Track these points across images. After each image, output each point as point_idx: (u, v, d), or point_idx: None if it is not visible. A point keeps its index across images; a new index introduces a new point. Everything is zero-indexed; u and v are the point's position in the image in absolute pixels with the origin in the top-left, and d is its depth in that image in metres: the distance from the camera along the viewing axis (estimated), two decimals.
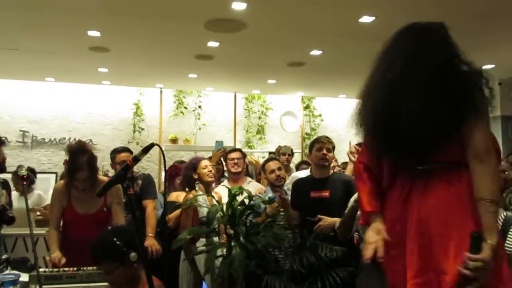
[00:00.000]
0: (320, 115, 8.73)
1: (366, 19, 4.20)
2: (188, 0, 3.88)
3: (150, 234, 3.55)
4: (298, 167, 5.46)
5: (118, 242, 2.02)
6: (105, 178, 3.02)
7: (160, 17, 4.27)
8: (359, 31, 4.37)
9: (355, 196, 2.71)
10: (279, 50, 5.37)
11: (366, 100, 1.74)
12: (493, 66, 6.08)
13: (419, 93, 1.58)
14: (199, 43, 5.04)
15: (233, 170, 3.96)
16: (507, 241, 2.40)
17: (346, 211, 2.78)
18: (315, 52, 5.41)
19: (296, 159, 7.68)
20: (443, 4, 4.00)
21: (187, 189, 3.86)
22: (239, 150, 4.20)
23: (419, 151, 1.62)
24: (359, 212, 2.76)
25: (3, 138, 3.19)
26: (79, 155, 2.75)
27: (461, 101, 1.57)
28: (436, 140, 1.58)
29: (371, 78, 1.74)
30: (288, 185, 3.89)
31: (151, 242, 3.44)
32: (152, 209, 3.72)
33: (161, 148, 1.49)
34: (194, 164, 3.80)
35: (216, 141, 4.55)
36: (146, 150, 1.56)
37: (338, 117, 8.54)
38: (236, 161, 3.96)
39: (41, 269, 2.47)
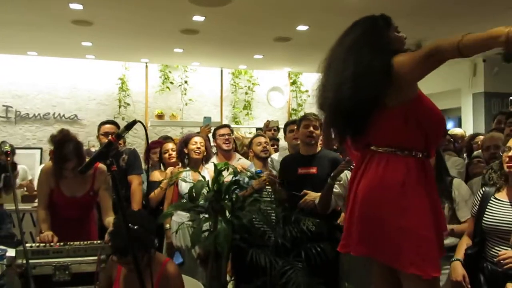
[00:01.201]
0: (306, 91, 8.72)
1: None
2: None
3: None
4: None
5: (142, 230, 2.06)
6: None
7: None
8: (345, 6, 4.35)
9: (333, 173, 2.85)
10: (265, 26, 5.33)
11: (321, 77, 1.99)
12: None
13: (337, 68, 1.81)
14: (184, 17, 4.98)
15: (225, 147, 3.93)
16: (485, 216, 2.45)
17: (325, 187, 2.87)
18: (302, 28, 5.38)
19: (282, 134, 7.71)
20: None
21: (180, 165, 3.92)
22: (228, 126, 4.19)
23: (355, 125, 1.84)
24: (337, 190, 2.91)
25: None
26: (65, 145, 2.75)
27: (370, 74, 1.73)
28: (358, 112, 1.77)
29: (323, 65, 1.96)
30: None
31: None
32: (137, 184, 3.75)
33: (144, 125, 1.49)
34: (186, 140, 3.84)
35: (204, 117, 4.55)
36: (129, 127, 1.57)
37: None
38: (226, 137, 3.94)
39: (27, 244, 2.48)
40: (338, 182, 2.93)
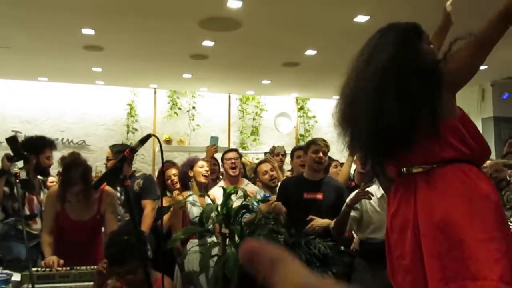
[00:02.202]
0: (314, 117, 8.74)
1: (361, 18, 4.22)
2: None
3: None
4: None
5: (136, 240, 2.08)
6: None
7: (155, 16, 4.26)
8: (353, 30, 4.38)
9: (350, 201, 2.79)
10: (274, 50, 5.38)
11: (341, 102, 1.77)
12: (486, 67, 6.12)
13: (367, 94, 1.58)
14: (194, 42, 5.03)
15: (231, 172, 3.88)
16: None
17: (340, 213, 2.82)
18: (310, 52, 5.42)
19: (288, 159, 7.69)
20: (438, 4, 4.01)
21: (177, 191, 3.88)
22: (236, 150, 4.16)
23: (394, 151, 1.61)
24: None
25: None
26: (73, 169, 2.72)
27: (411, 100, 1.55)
28: (399, 139, 1.55)
29: (345, 80, 1.74)
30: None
31: None
32: (150, 210, 3.67)
33: (158, 139, 1.47)
34: (191, 162, 3.81)
35: (211, 136, 4.50)
36: (143, 141, 1.55)
37: (331, 119, 8.52)
38: (233, 161, 3.89)
39: (33, 269, 2.42)
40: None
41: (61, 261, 2.58)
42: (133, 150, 1.54)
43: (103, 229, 3.00)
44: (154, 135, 1.54)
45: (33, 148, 3.32)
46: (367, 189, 2.88)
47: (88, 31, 4.63)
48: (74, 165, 2.75)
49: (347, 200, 2.85)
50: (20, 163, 3.00)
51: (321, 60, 5.64)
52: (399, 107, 1.51)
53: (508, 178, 3.39)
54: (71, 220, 2.85)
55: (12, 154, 3.07)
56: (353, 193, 2.89)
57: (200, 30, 4.56)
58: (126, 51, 5.44)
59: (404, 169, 1.63)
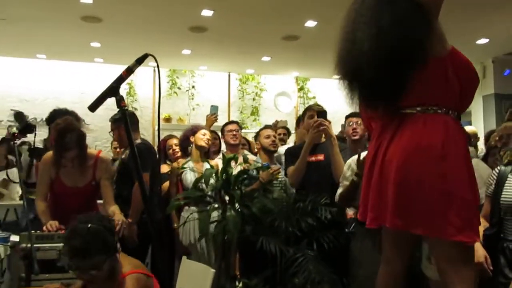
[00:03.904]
0: (314, 97, 8.70)
1: None
2: None
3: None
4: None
5: (106, 232, 1.82)
6: (94, 151, 3.00)
7: None
8: None
9: (351, 167, 2.78)
10: (274, 21, 5.32)
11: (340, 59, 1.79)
12: (487, 40, 6.08)
13: (366, 21, 1.65)
14: (193, 12, 4.98)
15: (231, 141, 3.93)
16: (503, 195, 2.40)
17: (348, 184, 2.77)
18: (310, 24, 5.38)
19: (292, 139, 7.67)
20: None
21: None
22: (236, 122, 4.19)
23: (399, 82, 1.63)
24: None
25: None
26: (67, 134, 2.69)
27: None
28: (401, 67, 1.59)
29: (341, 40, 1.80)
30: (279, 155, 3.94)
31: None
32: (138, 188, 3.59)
33: (155, 58, 1.45)
34: (194, 128, 3.81)
35: (211, 105, 4.49)
36: (140, 60, 1.53)
37: (332, 99, 8.49)
38: (234, 132, 3.94)
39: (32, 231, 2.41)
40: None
41: (62, 226, 2.56)
42: (130, 70, 1.52)
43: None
44: (151, 55, 1.52)
45: (54, 120, 3.31)
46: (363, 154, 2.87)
47: (85, 0, 4.58)
48: (69, 130, 2.72)
49: (352, 165, 2.81)
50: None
51: (321, 33, 5.58)
52: (395, 30, 1.56)
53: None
54: (66, 187, 2.83)
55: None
56: (354, 157, 2.87)
57: None
58: (125, 22, 5.38)
59: (407, 109, 1.69)
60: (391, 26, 1.56)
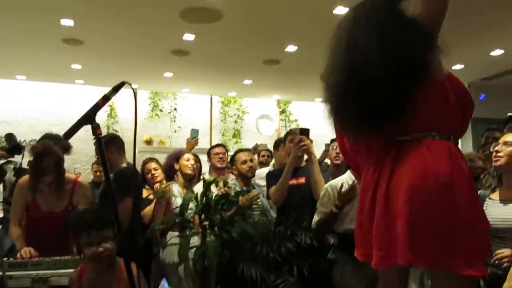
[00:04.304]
0: (296, 120, 8.78)
1: (340, 10, 4.26)
2: None
3: None
4: None
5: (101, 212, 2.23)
6: (72, 176, 2.95)
7: (136, 6, 4.24)
8: (333, 23, 4.42)
9: (329, 193, 2.83)
10: (255, 44, 5.38)
11: (329, 81, 1.68)
12: (462, 66, 6.25)
13: (372, 42, 1.52)
14: (175, 36, 5.02)
15: (218, 165, 3.88)
16: None
17: (328, 214, 2.80)
18: (291, 48, 5.46)
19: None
20: None
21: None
22: (223, 145, 4.18)
23: (394, 110, 1.53)
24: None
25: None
26: (45, 158, 2.65)
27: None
28: (404, 87, 1.50)
29: (329, 62, 1.70)
30: (254, 180, 3.93)
31: None
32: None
33: (132, 88, 1.44)
34: (177, 154, 3.79)
35: (192, 129, 4.49)
36: (116, 88, 1.52)
37: (314, 122, 8.57)
38: (221, 155, 3.91)
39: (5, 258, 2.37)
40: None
41: (37, 253, 2.51)
42: (106, 98, 1.51)
43: None
44: (128, 82, 1.51)
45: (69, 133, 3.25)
46: (338, 179, 2.90)
47: (67, 22, 4.57)
48: (47, 153, 2.66)
49: (330, 192, 2.83)
50: None
51: (301, 57, 5.67)
52: (387, 63, 1.48)
53: (481, 167, 3.49)
54: (42, 212, 2.76)
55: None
56: (332, 184, 2.90)
57: (181, 22, 4.55)
58: (107, 45, 5.37)
59: (404, 136, 1.59)
60: (387, 44, 1.50)
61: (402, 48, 1.48)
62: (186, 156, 3.77)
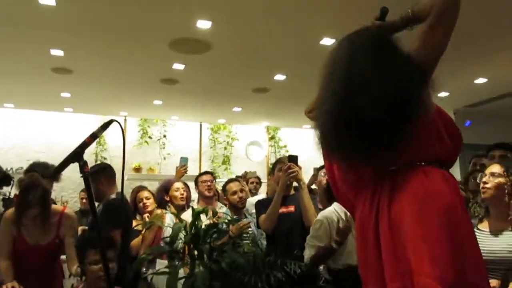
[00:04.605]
0: (285, 146, 8.83)
1: (327, 41, 4.36)
2: (153, 19, 3.93)
3: None
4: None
5: None
6: (59, 207, 2.92)
7: (125, 37, 4.29)
8: (320, 54, 4.50)
9: (324, 226, 2.79)
10: (244, 74, 5.46)
11: (322, 109, 1.65)
12: (447, 94, 6.38)
13: (369, 75, 1.51)
14: (164, 66, 5.07)
15: (206, 193, 3.87)
16: None
17: (323, 249, 2.78)
18: (279, 77, 5.54)
19: (263, 189, 7.68)
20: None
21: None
22: (211, 173, 4.16)
23: (388, 143, 1.53)
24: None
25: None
26: (31, 191, 2.64)
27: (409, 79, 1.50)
28: (400, 122, 1.49)
29: (322, 89, 1.67)
30: (246, 208, 3.92)
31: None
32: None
33: (120, 124, 1.45)
34: (166, 187, 3.78)
35: (181, 157, 4.49)
36: (105, 126, 1.53)
37: (302, 148, 8.65)
38: (209, 183, 3.90)
39: None
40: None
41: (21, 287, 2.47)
42: (94, 136, 1.52)
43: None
44: (116, 121, 1.52)
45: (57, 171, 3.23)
46: (329, 210, 2.91)
47: (57, 52, 4.60)
48: (32, 186, 2.65)
49: (326, 225, 2.83)
50: None
51: (290, 85, 5.75)
52: (386, 101, 1.47)
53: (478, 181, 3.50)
54: (27, 245, 2.73)
55: None
56: (326, 215, 2.89)
57: (170, 53, 4.61)
58: (96, 74, 5.40)
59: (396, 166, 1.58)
60: (385, 78, 1.49)
61: (399, 84, 1.48)
62: (176, 186, 3.77)
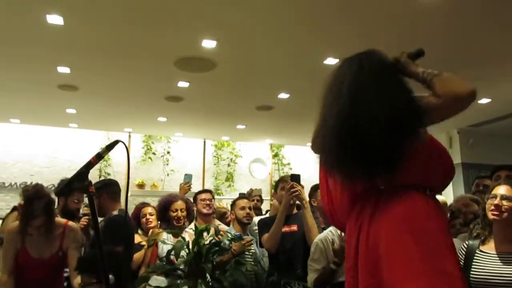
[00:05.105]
0: (288, 164, 8.83)
1: (331, 61, 4.40)
2: (158, 38, 3.99)
3: None
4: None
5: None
6: (63, 220, 2.93)
7: (131, 55, 4.34)
8: (324, 73, 4.53)
9: (320, 248, 2.80)
10: (248, 92, 5.51)
11: (326, 125, 1.69)
12: None
13: (374, 97, 1.58)
14: (169, 83, 5.12)
15: (204, 211, 3.88)
16: (472, 271, 2.39)
17: (325, 271, 2.78)
18: (283, 96, 5.57)
19: (265, 206, 7.67)
20: (404, 48, 4.24)
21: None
22: (210, 191, 4.16)
23: (386, 162, 1.58)
24: None
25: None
26: (35, 201, 2.63)
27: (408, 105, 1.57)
28: (393, 144, 1.55)
29: (324, 107, 1.71)
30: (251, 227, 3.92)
31: None
32: None
33: (125, 145, 1.47)
34: (165, 205, 3.78)
35: (185, 174, 4.50)
36: (110, 147, 1.54)
37: (306, 166, 8.66)
38: (207, 202, 3.90)
39: None
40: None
41: None
42: (100, 156, 1.53)
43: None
44: (121, 141, 1.54)
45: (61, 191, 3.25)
46: (325, 232, 2.91)
47: (63, 70, 4.66)
48: (37, 196, 2.64)
49: (321, 247, 2.83)
50: None
51: (294, 104, 5.79)
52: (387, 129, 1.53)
53: (475, 212, 3.47)
54: (31, 258, 2.70)
55: None
56: (322, 237, 2.89)
57: (175, 71, 4.66)
58: (101, 91, 5.46)
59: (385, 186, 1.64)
60: (390, 107, 1.55)
61: (397, 110, 1.54)
62: (175, 206, 3.76)
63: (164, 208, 3.80)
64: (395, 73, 1.65)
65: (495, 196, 2.32)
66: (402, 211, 1.55)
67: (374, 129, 1.52)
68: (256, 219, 4.06)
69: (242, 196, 4.13)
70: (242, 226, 3.75)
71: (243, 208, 3.73)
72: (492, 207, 2.32)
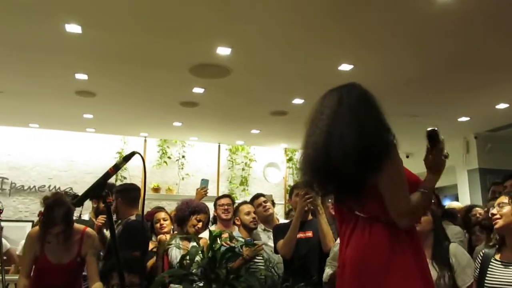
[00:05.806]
0: None
1: (345, 67, 4.40)
2: (174, 46, 4.04)
3: None
4: (288, 214, 5.56)
5: None
6: (81, 227, 2.99)
7: (147, 62, 4.41)
8: (338, 79, 4.53)
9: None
10: (263, 98, 5.53)
11: (304, 153, 1.89)
12: (468, 119, 6.32)
13: (343, 130, 1.71)
14: (185, 89, 5.17)
15: (223, 216, 3.89)
16: (486, 278, 2.39)
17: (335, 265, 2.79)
18: (298, 101, 5.58)
19: (279, 211, 7.67)
20: (417, 55, 4.23)
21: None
22: (229, 196, 4.17)
23: (350, 191, 1.73)
24: None
25: None
26: (55, 209, 2.69)
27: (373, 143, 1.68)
28: (361, 177, 1.67)
29: (306, 135, 1.92)
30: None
31: None
32: None
33: (142, 157, 1.50)
34: (192, 208, 3.81)
35: (202, 179, 4.54)
36: (127, 158, 1.58)
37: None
38: (226, 207, 3.91)
39: None
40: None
41: None
42: (117, 167, 1.57)
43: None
44: (138, 153, 1.57)
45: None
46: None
47: (81, 76, 4.75)
48: (57, 204, 2.71)
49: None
50: None
51: (308, 109, 5.75)
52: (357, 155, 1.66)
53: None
54: (50, 264, 2.78)
55: None
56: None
57: (190, 77, 4.71)
58: (118, 97, 5.54)
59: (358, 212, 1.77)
60: (363, 145, 1.67)
61: (373, 151, 1.66)
62: (192, 221, 3.80)
63: (188, 211, 3.82)
64: (371, 109, 1.77)
65: (492, 206, 2.36)
66: (364, 243, 1.69)
67: (344, 160, 1.66)
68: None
69: (242, 202, 4.11)
70: (248, 231, 3.76)
71: (248, 213, 3.73)
72: (492, 216, 2.35)
